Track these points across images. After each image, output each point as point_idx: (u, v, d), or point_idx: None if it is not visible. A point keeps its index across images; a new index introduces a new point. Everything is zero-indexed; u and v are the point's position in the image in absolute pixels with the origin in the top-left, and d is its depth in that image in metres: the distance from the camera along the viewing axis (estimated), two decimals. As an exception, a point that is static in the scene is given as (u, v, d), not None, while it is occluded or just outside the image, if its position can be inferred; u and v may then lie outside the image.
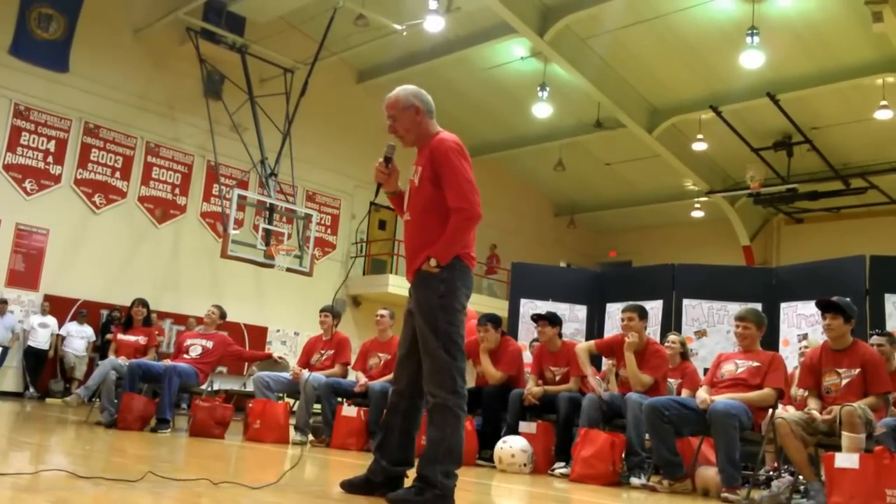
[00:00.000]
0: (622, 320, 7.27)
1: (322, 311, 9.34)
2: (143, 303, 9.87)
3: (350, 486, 4.35)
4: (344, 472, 6.17)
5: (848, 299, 5.91)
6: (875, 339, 6.40)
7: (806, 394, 6.01)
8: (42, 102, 16.14)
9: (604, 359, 8.23)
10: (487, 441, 7.56)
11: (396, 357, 4.47)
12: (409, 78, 19.81)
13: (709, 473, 6.17)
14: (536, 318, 8.09)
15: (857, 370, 5.67)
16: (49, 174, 16.18)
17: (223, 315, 9.48)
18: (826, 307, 5.84)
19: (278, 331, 18.87)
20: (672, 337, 8.10)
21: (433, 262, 4.08)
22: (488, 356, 8.08)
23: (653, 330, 9.77)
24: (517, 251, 20.98)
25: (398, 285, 19.43)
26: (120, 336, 9.74)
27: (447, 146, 4.20)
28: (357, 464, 6.84)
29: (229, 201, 16.05)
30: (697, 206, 22.06)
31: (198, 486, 4.12)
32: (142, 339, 9.61)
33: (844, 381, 5.69)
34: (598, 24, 16.41)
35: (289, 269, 16.40)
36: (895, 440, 5.01)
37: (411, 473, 4.28)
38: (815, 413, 5.57)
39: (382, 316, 9.19)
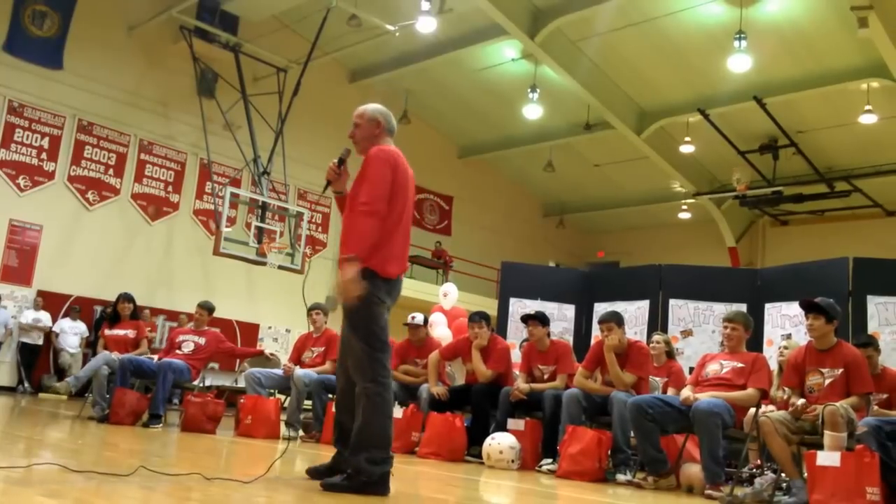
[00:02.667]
0: (601, 331, 7.29)
1: (312, 309, 9.40)
2: (128, 298, 9.79)
3: (315, 474, 4.52)
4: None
5: (831, 300, 5.95)
6: (861, 352, 6.47)
7: (787, 395, 6.08)
8: (36, 99, 16.17)
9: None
10: (476, 437, 7.61)
11: (340, 351, 4.71)
12: (401, 78, 19.98)
13: (693, 470, 6.22)
14: (527, 319, 8.15)
15: (840, 370, 5.69)
16: (43, 171, 16.21)
17: (211, 311, 9.51)
18: (809, 308, 5.87)
19: (270, 328, 18.92)
20: (657, 337, 8.19)
21: (350, 258, 4.29)
22: (479, 354, 8.15)
23: (639, 329, 9.89)
24: (507, 251, 21.08)
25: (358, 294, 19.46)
26: (107, 331, 9.67)
27: (377, 154, 4.59)
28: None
29: (222, 199, 16.11)
30: (684, 207, 22.18)
31: (189, 480, 4.13)
32: (130, 333, 9.54)
33: (827, 381, 5.71)
34: (588, 26, 16.51)
35: (280, 267, 16.46)
36: (876, 439, 5.01)
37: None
38: (800, 401, 5.66)
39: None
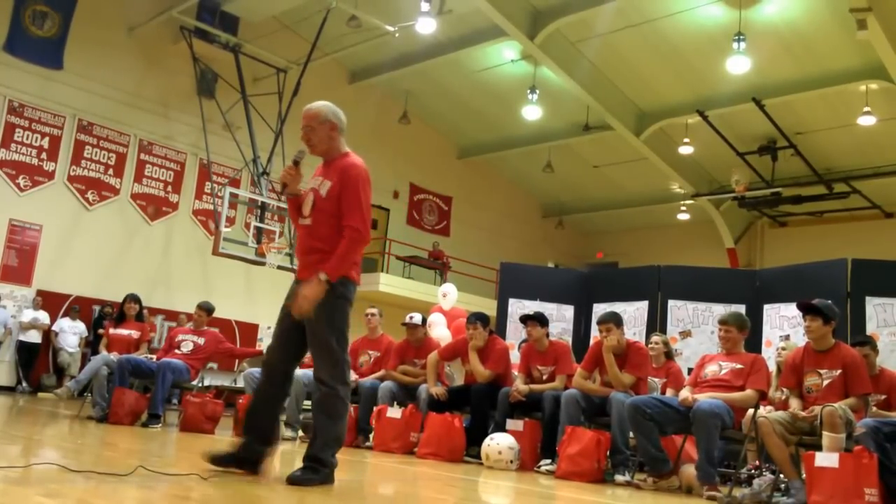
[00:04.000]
0: (600, 332, 7.30)
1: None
2: (135, 298, 9.88)
3: (217, 460, 4.56)
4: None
5: (829, 301, 5.96)
6: (859, 350, 6.46)
7: (785, 396, 6.08)
8: (36, 99, 16.20)
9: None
10: (475, 438, 7.61)
11: (271, 346, 4.86)
12: (401, 79, 20.02)
13: (692, 471, 6.20)
14: (525, 319, 8.16)
15: (839, 371, 5.71)
16: (42, 170, 16.24)
17: (210, 311, 9.54)
18: (806, 309, 5.89)
19: (269, 328, 18.88)
20: (655, 338, 8.20)
21: (323, 277, 4.44)
22: (476, 354, 8.17)
23: (638, 330, 9.90)
24: (506, 251, 21.13)
25: (389, 284, 19.52)
26: (112, 331, 9.71)
27: (359, 173, 4.63)
28: (347, 459, 6.94)
29: (221, 199, 16.13)
30: (683, 208, 22.19)
31: (188, 480, 4.14)
32: (134, 334, 9.61)
33: (825, 382, 5.73)
34: (588, 28, 16.53)
35: (279, 267, 16.47)
36: (874, 440, 5.03)
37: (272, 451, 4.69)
38: (796, 405, 5.68)
39: (372, 314, 9.29)
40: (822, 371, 5.80)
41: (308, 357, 9.10)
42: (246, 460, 4.56)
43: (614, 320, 7.27)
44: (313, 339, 4.60)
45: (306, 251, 4.70)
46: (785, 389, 6.31)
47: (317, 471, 4.42)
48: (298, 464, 6.13)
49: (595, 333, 10.12)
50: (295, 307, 4.52)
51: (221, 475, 4.39)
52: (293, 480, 4.35)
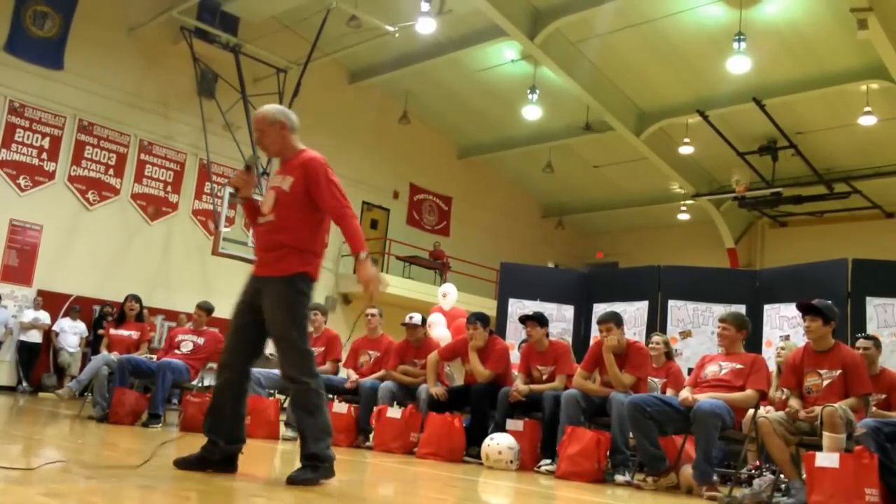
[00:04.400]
0: (600, 331, 7.30)
1: (310, 309, 9.40)
2: (135, 298, 9.91)
3: (185, 464, 4.52)
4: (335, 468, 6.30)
5: (829, 302, 5.96)
6: (861, 343, 6.42)
7: (786, 396, 6.08)
8: (36, 99, 16.21)
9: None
10: (475, 438, 7.61)
11: (227, 344, 4.83)
12: (401, 79, 20.03)
13: (692, 471, 6.27)
14: (525, 319, 8.15)
15: (839, 371, 5.71)
16: (43, 171, 16.25)
17: (209, 312, 9.55)
18: (806, 309, 5.89)
19: (269, 328, 18.89)
20: (656, 338, 8.20)
21: (363, 256, 4.57)
22: (476, 354, 8.17)
23: (638, 330, 9.90)
24: (506, 251, 21.13)
25: (389, 284, 19.50)
26: (112, 331, 9.75)
27: (320, 163, 4.76)
28: (347, 459, 6.95)
29: (221, 199, 16.14)
30: (683, 208, 22.18)
31: (188, 479, 4.15)
32: (134, 334, 9.65)
33: (825, 382, 5.73)
34: (588, 28, 16.53)
35: (280, 267, 16.46)
36: (875, 440, 5.04)
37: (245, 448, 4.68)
38: (796, 405, 5.68)
39: (372, 315, 9.29)
40: (821, 371, 5.80)
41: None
42: (212, 461, 4.52)
43: (615, 320, 7.27)
44: (278, 338, 4.63)
45: (269, 247, 4.69)
46: (785, 389, 6.30)
47: (315, 468, 4.43)
48: (298, 464, 6.15)
49: (595, 333, 10.14)
50: (368, 291, 4.58)
51: (215, 475, 4.39)
52: (292, 480, 4.35)
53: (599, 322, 7.37)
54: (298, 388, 4.60)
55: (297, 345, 4.60)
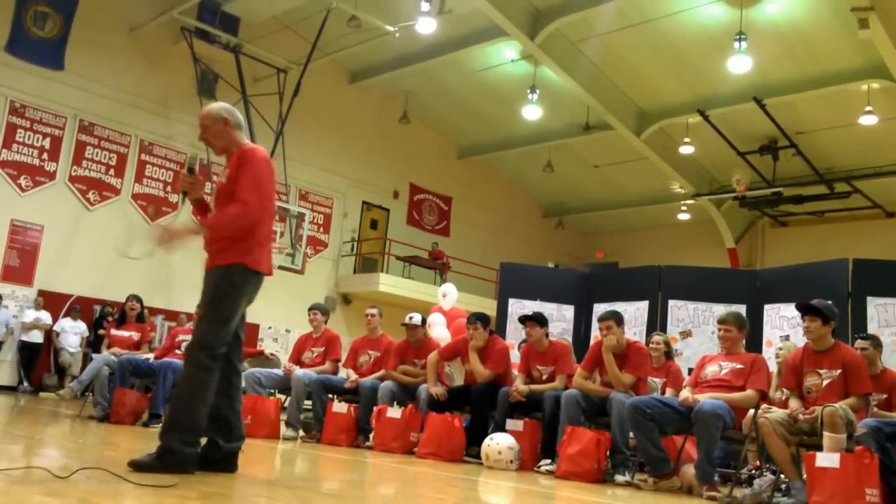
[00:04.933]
0: (601, 329, 7.28)
1: (311, 309, 9.44)
2: (136, 298, 9.93)
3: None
4: (335, 468, 6.31)
5: (829, 302, 5.95)
6: (859, 343, 6.40)
7: (786, 396, 6.07)
8: (37, 100, 16.24)
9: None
10: (475, 438, 7.61)
11: None
12: (401, 79, 20.04)
13: (693, 472, 6.17)
14: (524, 320, 8.15)
15: (839, 371, 5.70)
16: (44, 171, 16.28)
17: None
18: (805, 310, 5.87)
19: (270, 328, 18.94)
20: (656, 337, 8.19)
21: (195, 227, 4.59)
22: (476, 354, 8.17)
23: (638, 330, 9.89)
24: (506, 251, 21.14)
25: (389, 284, 19.56)
26: (113, 331, 9.76)
27: (256, 155, 4.63)
28: (347, 459, 6.96)
29: (220, 199, 16.11)
30: (684, 208, 22.21)
31: (189, 480, 4.14)
32: (135, 335, 9.67)
33: (825, 382, 5.72)
34: (588, 27, 16.54)
35: (281, 267, 16.49)
36: (876, 440, 5.02)
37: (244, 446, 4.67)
38: (795, 405, 5.68)
39: (372, 314, 9.30)
40: (821, 371, 5.80)
41: (310, 358, 9.19)
42: (212, 460, 4.53)
43: (615, 318, 7.25)
44: (197, 320, 4.63)
45: (212, 241, 4.61)
46: (785, 390, 6.30)
47: (160, 457, 4.28)
48: (300, 463, 6.16)
49: (595, 333, 10.15)
50: (160, 237, 4.60)
51: (216, 475, 4.40)
52: (133, 465, 4.21)
53: (600, 320, 7.35)
54: (185, 375, 4.53)
55: (205, 334, 4.47)
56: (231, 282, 4.51)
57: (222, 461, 4.53)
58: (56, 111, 16.49)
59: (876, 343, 6.57)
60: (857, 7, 13.32)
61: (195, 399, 4.40)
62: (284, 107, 17.82)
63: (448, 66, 19.35)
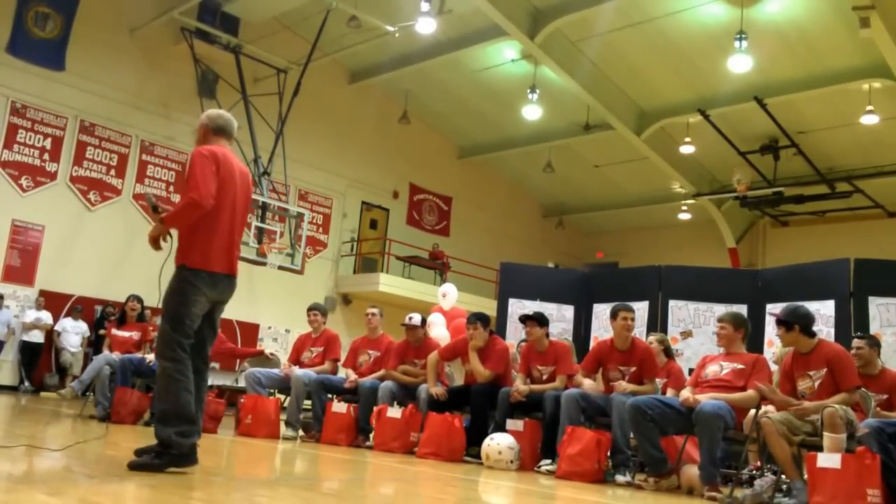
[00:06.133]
0: (624, 320, 7.29)
1: (310, 309, 9.45)
2: (137, 299, 9.96)
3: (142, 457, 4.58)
4: (335, 467, 6.32)
5: (800, 304, 6.06)
6: (855, 343, 6.40)
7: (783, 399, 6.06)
8: (38, 100, 16.25)
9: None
10: (475, 438, 7.62)
11: None
12: (401, 79, 20.05)
13: (693, 472, 6.21)
14: (524, 319, 8.15)
15: (824, 370, 5.74)
16: (45, 171, 16.29)
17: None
18: (776, 321, 6.00)
19: (270, 328, 18.95)
20: (651, 337, 8.16)
21: (157, 219, 4.79)
22: (476, 354, 8.17)
23: (639, 331, 9.86)
24: (506, 251, 21.15)
25: (389, 284, 19.56)
26: (114, 331, 9.81)
27: (199, 152, 4.95)
28: (347, 458, 6.96)
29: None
30: (684, 208, 22.19)
31: (190, 479, 4.18)
32: (135, 335, 9.71)
33: (816, 383, 5.75)
34: (588, 27, 16.53)
35: (280, 267, 16.48)
36: (877, 441, 5.02)
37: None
38: (805, 403, 5.69)
39: (373, 314, 9.30)
40: (810, 373, 5.83)
41: (309, 358, 9.20)
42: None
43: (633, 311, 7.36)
44: (161, 319, 4.78)
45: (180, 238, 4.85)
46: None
47: (160, 454, 4.42)
48: (299, 462, 6.16)
49: (595, 333, 10.17)
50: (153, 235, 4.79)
51: (216, 474, 4.40)
52: (133, 466, 4.35)
53: (622, 309, 7.37)
54: (159, 371, 4.66)
55: (164, 329, 4.67)
56: (180, 278, 4.72)
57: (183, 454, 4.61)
58: (57, 112, 16.50)
59: (872, 343, 6.54)
60: (858, 6, 13.31)
61: (175, 388, 4.54)
62: (284, 107, 17.83)
63: (448, 66, 19.35)
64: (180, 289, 4.71)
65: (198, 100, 17.72)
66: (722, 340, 6.54)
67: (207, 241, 4.78)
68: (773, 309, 9.17)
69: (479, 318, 8.33)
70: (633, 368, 7.28)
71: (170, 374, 4.57)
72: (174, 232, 4.78)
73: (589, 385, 7.40)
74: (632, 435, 6.65)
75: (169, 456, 4.38)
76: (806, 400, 5.77)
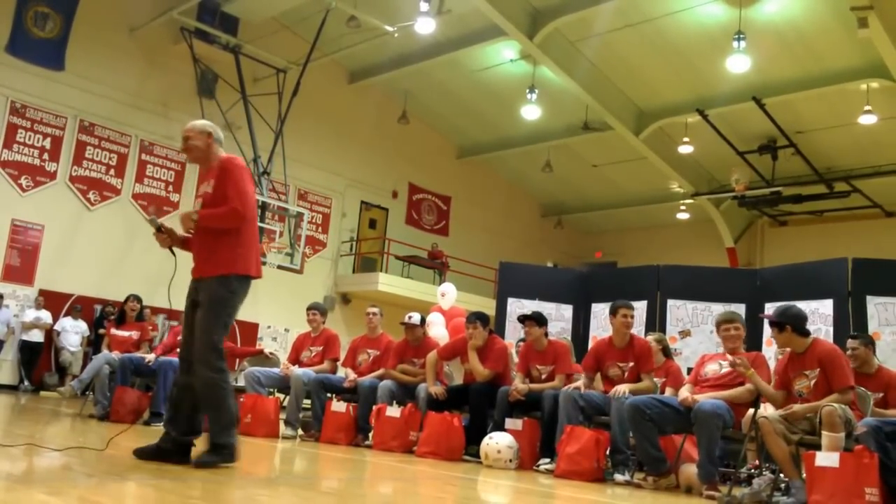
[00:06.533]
0: (624, 317, 7.31)
1: (309, 308, 9.47)
2: (136, 298, 9.93)
3: (143, 454, 4.82)
4: (334, 466, 6.34)
5: (793, 304, 6.07)
6: (849, 343, 6.42)
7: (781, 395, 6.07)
8: (38, 100, 16.27)
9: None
10: (474, 437, 7.63)
11: (183, 342, 5.11)
12: (400, 79, 20.06)
13: (692, 471, 6.23)
14: (523, 319, 8.16)
15: (819, 370, 5.72)
16: (44, 171, 16.31)
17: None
18: (770, 323, 6.00)
19: (269, 327, 18.96)
20: (649, 337, 8.17)
21: (195, 217, 4.92)
22: (476, 353, 8.19)
23: (638, 330, 9.87)
24: (505, 251, 21.14)
25: (388, 283, 19.57)
26: (113, 331, 9.78)
27: (237, 164, 5.07)
28: (347, 457, 6.98)
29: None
30: (683, 207, 22.19)
31: (189, 478, 4.18)
32: (134, 335, 9.67)
33: (812, 383, 5.74)
34: (587, 27, 16.54)
35: (280, 267, 16.50)
36: (875, 440, 5.00)
37: (198, 440, 4.95)
38: (795, 407, 5.70)
39: (374, 313, 9.32)
40: (806, 372, 5.82)
41: (309, 357, 9.20)
42: (171, 451, 4.82)
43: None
44: (197, 328, 4.90)
45: (202, 249, 5.02)
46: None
47: (219, 452, 4.76)
48: (299, 462, 6.18)
49: (594, 333, 10.18)
50: (183, 225, 5.02)
51: (216, 473, 4.42)
52: (198, 463, 4.68)
53: (621, 307, 7.39)
54: (205, 382, 4.83)
55: (213, 340, 4.85)
56: (230, 289, 4.92)
57: (176, 452, 4.82)
58: (56, 111, 16.51)
59: (866, 341, 6.56)
60: (857, 6, 13.32)
61: (227, 397, 4.86)
62: (283, 107, 17.84)
63: (447, 66, 19.37)
64: (230, 299, 4.94)
65: (197, 99, 17.74)
66: (736, 342, 6.51)
67: (251, 248, 5.04)
68: (769, 310, 9.26)
69: (478, 318, 8.34)
70: (632, 364, 7.28)
71: (221, 385, 4.85)
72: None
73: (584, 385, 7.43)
74: (630, 434, 6.66)
75: (226, 454, 4.78)
76: (802, 400, 5.77)
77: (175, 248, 5.20)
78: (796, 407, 5.58)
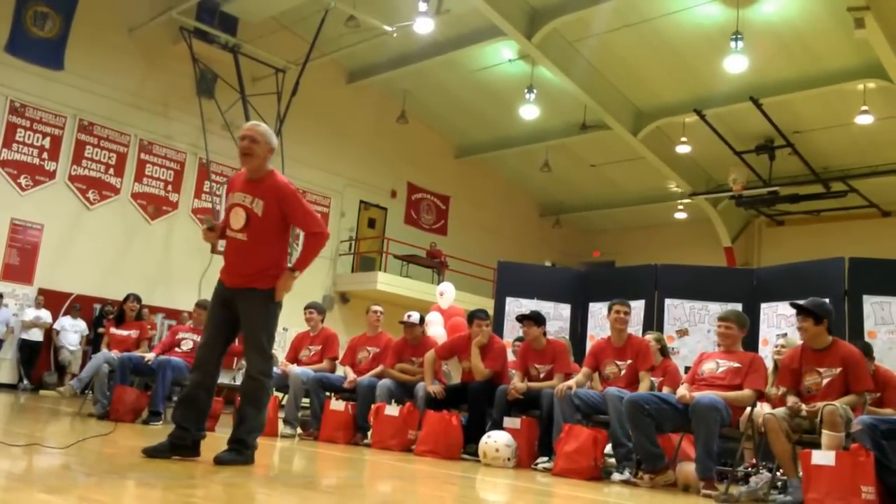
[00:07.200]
0: (617, 313, 7.41)
1: (307, 307, 9.49)
2: (135, 298, 9.95)
3: (154, 452, 4.90)
4: (333, 465, 6.36)
5: (824, 300, 5.99)
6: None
7: (782, 392, 6.09)
8: (37, 99, 16.28)
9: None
10: (472, 435, 7.67)
11: (204, 343, 5.29)
12: (399, 79, 20.08)
13: (689, 469, 6.24)
14: (521, 319, 8.19)
15: (839, 369, 5.70)
16: (44, 170, 16.32)
17: (206, 309, 9.57)
18: (798, 310, 5.91)
19: (268, 326, 18.93)
20: (648, 336, 8.19)
21: (297, 274, 5.15)
22: (479, 351, 8.20)
23: (635, 329, 9.90)
24: (503, 250, 21.15)
25: (387, 282, 19.59)
26: (112, 330, 9.80)
27: (291, 188, 5.19)
28: (345, 456, 7.00)
29: (220, 198, 16.17)
30: (680, 207, 22.21)
31: (189, 477, 4.20)
32: (133, 334, 9.69)
33: (825, 381, 5.72)
34: (585, 27, 16.56)
35: (279, 266, 16.48)
36: (871, 438, 5.05)
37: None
38: (793, 400, 5.69)
39: (376, 311, 9.35)
40: (821, 370, 5.80)
41: (307, 356, 9.23)
42: (181, 447, 4.96)
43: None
44: (250, 338, 5.15)
45: (245, 266, 5.13)
46: (781, 387, 6.31)
47: (241, 452, 4.97)
48: (297, 460, 6.21)
49: (592, 332, 10.21)
50: (279, 295, 5.14)
51: (216, 472, 4.45)
52: (220, 460, 4.83)
53: (619, 304, 7.48)
54: (256, 385, 5.14)
55: (265, 348, 5.15)
56: (280, 303, 5.18)
57: (190, 448, 4.99)
58: (56, 111, 16.52)
59: (868, 351, 6.55)
60: (853, 7, 13.35)
61: (264, 402, 5.18)
62: (283, 106, 17.85)
63: (446, 66, 19.38)
64: (277, 311, 5.22)
65: (196, 99, 17.76)
66: (727, 340, 6.55)
67: (286, 264, 5.29)
68: (765, 309, 9.29)
69: (487, 315, 8.39)
70: (629, 362, 7.31)
71: (267, 391, 5.22)
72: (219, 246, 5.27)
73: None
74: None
75: (247, 454, 5.01)
76: (810, 396, 5.77)
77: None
78: (820, 404, 5.50)
